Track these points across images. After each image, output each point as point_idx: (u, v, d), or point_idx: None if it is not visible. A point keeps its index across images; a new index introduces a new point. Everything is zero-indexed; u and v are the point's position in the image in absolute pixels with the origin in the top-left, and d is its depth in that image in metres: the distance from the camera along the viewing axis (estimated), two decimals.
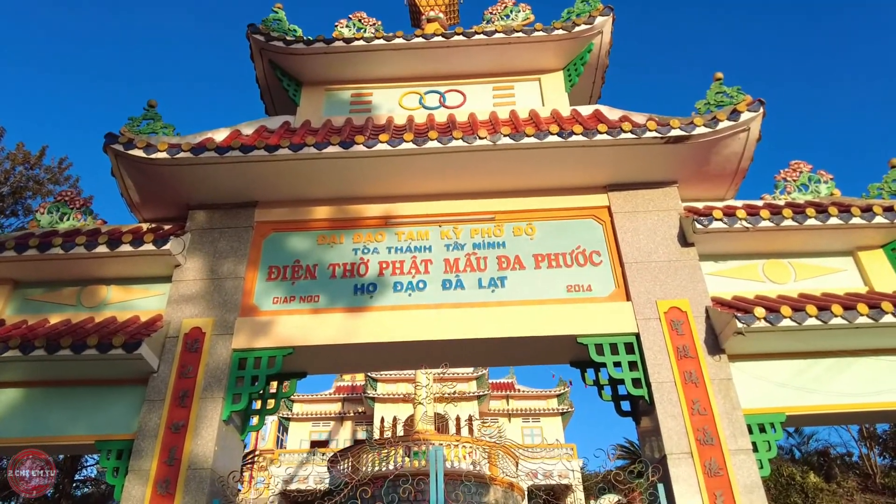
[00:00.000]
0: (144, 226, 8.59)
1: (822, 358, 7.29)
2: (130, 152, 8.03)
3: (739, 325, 6.71)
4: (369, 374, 37.58)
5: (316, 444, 38.26)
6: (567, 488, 31.47)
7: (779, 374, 7.17)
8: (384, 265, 8.04)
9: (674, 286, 7.56)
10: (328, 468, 23.23)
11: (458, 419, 34.14)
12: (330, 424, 39.53)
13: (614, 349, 7.29)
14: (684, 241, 7.90)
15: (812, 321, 6.77)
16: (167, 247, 7.86)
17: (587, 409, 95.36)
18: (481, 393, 36.37)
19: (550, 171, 8.18)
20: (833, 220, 7.73)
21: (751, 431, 6.79)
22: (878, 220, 7.77)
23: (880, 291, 7.72)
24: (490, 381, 39.45)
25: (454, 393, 35.64)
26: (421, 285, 7.86)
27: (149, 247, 7.87)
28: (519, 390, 39.91)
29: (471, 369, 38.50)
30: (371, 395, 35.63)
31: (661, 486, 6.44)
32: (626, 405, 7.64)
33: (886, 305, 6.87)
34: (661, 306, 7.40)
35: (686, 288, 7.55)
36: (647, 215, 8.14)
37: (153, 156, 7.95)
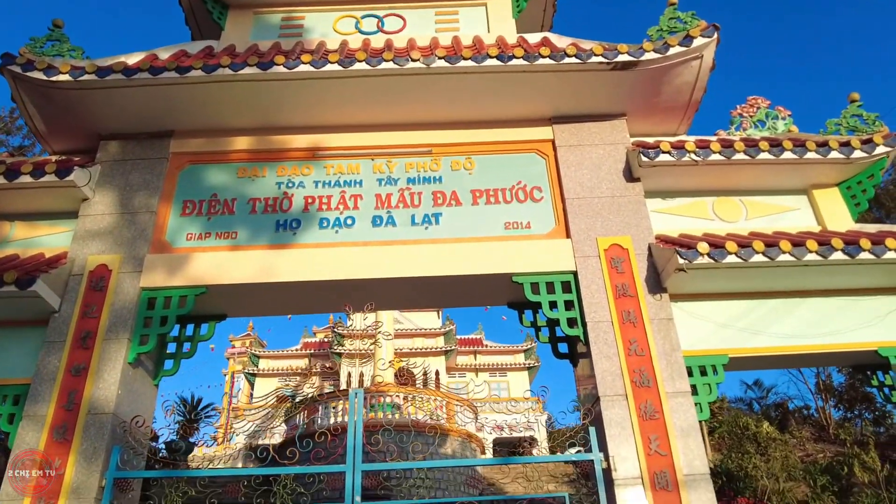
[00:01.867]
0: (53, 158, 7.87)
1: (768, 298, 6.94)
2: (29, 74, 7.25)
3: (681, 261, 6.29)
4: (336, 329, 37.31)
5: (283, 400, 38.03)
6: (532, 441, 31.72)
7: (723, 315, 6.82)
8: (310, 200, 7.45)
9: (616, 223, 7.11)
10: (284, 422, 22.95)
11: (424, 374, 34.11)
12: (297, 380, 39.27)
13: (551, 288, 6.85)
14: (630, 175, 7.43)
15: (759, 258, 6.38)
16: (71, 178, 7.17)
17: (555, 363, 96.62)
18: (448, 348, 36.31)
19: (491, 101, 7.59)
20: (787, 155, 7.30)
21: (691, 374, 6.45)
22: (834, 155, 7.36)
23: (833, 230, 7.36)
24: (458, 336, 39.41)
25: (420, 348, 35.55)
26: (349, 222, 7.30)
27: (51, 178, 7.17)
28: (486, 346, 39.95)
29: (439, 325, 38.43)
30: (337, 351, 35.32)
31: (592, 430, 6.09)
32: (563, 347, 7.25)
33: (836, 242, 6.50)
34: (602, 243, 6.95)
35: (629, 225, 7.10)
36: (592, 149, 7.63)
37: (54, 78, 7.18)
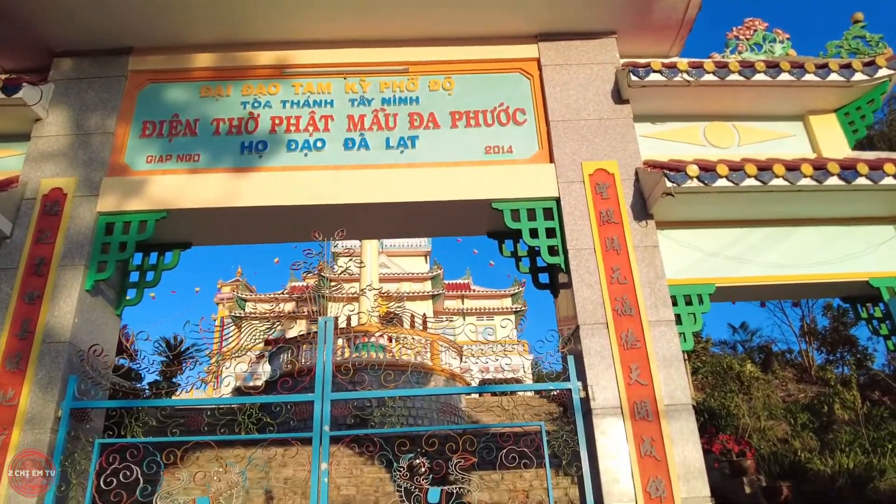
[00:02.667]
0: (2, 76, 7.31)
1: (759, 227, 6.65)
2: None
3: (669, 184, 5.95)
4: (321, 273, 37.08)
5: (270, 344, 38.05)
6: (518, 382, 32.09)
7: (711, 243, 6.53)
8: (277, 121, 6.99)
9: (603, 147, 6.73)
10: (269, 361, 22.88)
11: (412, 318, 34.13)
12: (284, 324, 39.21)
13: (532, 215, 6.51)
14: (619, 97, 7.00)
15: (751, 182, 6.05)
16: (19, 95, 6.66)
17: (543, 308, 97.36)
18: (436, 293, 36.25)
19: (474, 14, 7.04)
20: (784, 77, 6.89)
21: (676, 304, 6.20)
22: (834, 77, 6.96)
23: (829, 157, 7.01)
24: (445, 281, 39.35)
25: (407, 293, 35.47)
26: (319, 144, 6.87)
27: None
28: (474, 290, 39.93)
29: (426, 269, 38.31)
30: (323, 294, 35.12)
31: (571, 359, 5.85)
32: (544, 277, 6.96)
33: (832, 167, 6.16)
34: (587, 168, 6.58)
35: (616, 149, 6.72)
36: (580, 69, 7.17)
37: None
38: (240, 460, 5.36)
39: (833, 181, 6.13)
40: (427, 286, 36.26)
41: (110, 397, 6.42)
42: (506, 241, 6.99)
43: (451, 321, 38.00)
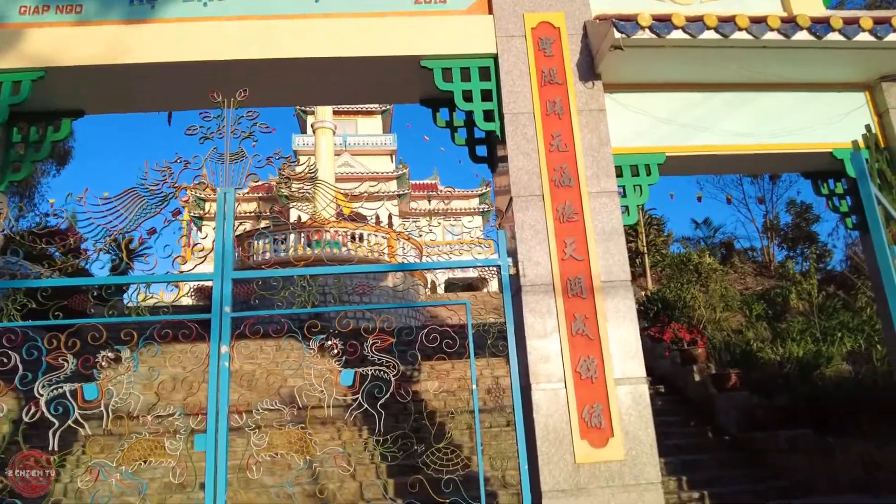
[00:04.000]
0: None
1: (717, 91, 6.00)
2: None
3: (618, 35, 5.20)
4: (283, 172, 35.91)
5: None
6: (483, 281, 32.05)
7: (663, 109, 5.88)
8: None
9: None
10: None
11: (377, 218, 33.53)
12: (246, 225, 38.34)
13: (466, 75, 5.75)
14: None
15: (710, 34, 5.34)
16: None
17: None
18: (401, 192, 35.46)
19: None
20: None
21: (621, 174, 5.62)
22: None
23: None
24: (412, 181, 38.47)
25: (371, 192, 34.58)
26: None
27: None
28: (441, 190, 39.18)
29: (391, 168, 37.30)
30: (285, 194, 34.14)
31: (501, 234, 5.30)
32: (482, 150, 6.28)
33: (802, 19, 5.47)
34: (529, 21, 5.77)
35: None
36: None
37: None
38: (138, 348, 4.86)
39: (802, 36, 5.45)
40: (392, 186, 35.39)
41: None
42: (440, 110, 6.24)
43: (417, 222, 37.54)
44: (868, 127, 4.86)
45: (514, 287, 5.18)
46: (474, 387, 4.92)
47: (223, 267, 4.98)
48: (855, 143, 3.97)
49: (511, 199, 5.34)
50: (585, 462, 4.66)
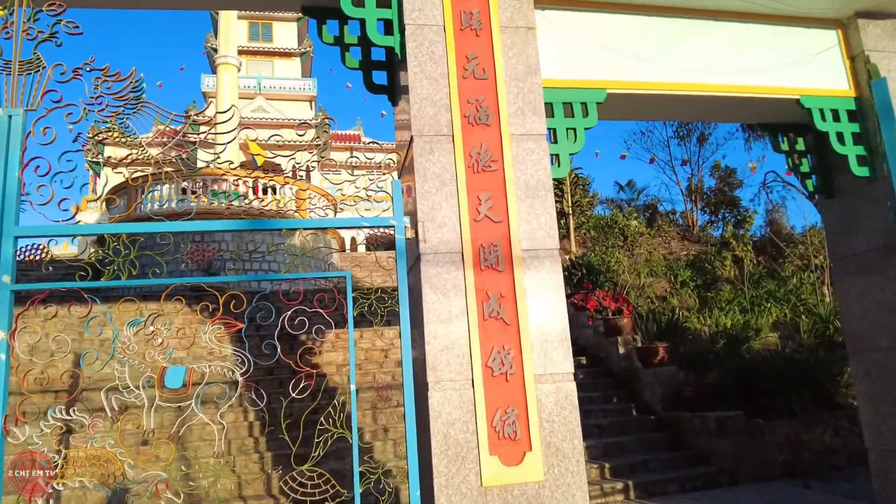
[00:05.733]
0: None
1: (670, 16, 4.89)
2: None
3: None
4: (193, 115, 33.38)
5: (116, 190, 34.40)
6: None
7: (607, 33, 4.72)
8: None
9: None
10: (108, 209, 20.03)
11: (293, 169, 31.57)
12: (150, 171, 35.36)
13: None
14: None
15: None
16: None
17: None
18: (321, 142, 33.45)
19: None
20: None
21: (552, 114, 4.47)
22: None
23: None
24: (335, 131, 36.43)
25: (287, 141, 32.52)
26: None
27: None
28: (364, 142, 37.34)
29: (310, 116, 35.11)
30: (193, 140, 31.54)
31: (397, 184, 4.06)
32: (380, 77, 4.95)
33: None
34: None
35: None
36: None
37: None
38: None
39: None
40: (311, 135, 33.32)
41: None
42: (328, 22, 4.84)
43: (338, 174, 35.75)
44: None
45: (413, 255, 3.98)
46: (352, 375, 3.73)
47: (2, 220, 3.53)
48: (873, 67, 2.91)
49: (411, 139, 4.09)
50: (494, 485, 3.58)
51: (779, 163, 42.77)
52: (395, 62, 4.71)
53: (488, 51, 4.22)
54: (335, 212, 19.44)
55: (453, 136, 4.05)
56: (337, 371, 9.65)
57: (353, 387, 3.65)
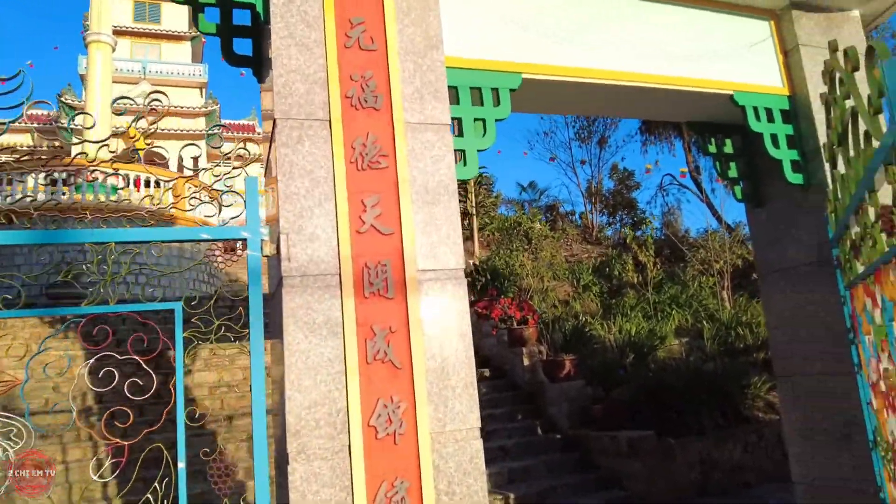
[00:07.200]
0: None
1: None
2: None
3: None
4: (65, 100, 30.44)
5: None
6: None
7: (522, 8, 3.95)
8: None
9: None
10: None
11: (179, 160, 29.41)
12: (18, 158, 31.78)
13: None
14: None
15: None
16: None
17: None
18: (211, 132, 31.28)
19: None
20: None
21: (457, 101, 3.63)
22: None
23: None
24: (227, 120, 34.31)
25: (176, 130, 30.21)
26: None
27: None
28: (259, 133, 35.34)
29: (201, 103, 32.80)
30: (67, 127, 28.53)
31: (250, 184, 3.08)
32: (243, 46, 3.95)
33: None
34: None
35: None
36: None
37: None
38: None
39: None
40: (200, 123, 31.07)
41: None
42: None
43: (229, 167, 33.61)
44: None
45: (275, 279, 3.03)
46: (181, 451, 2.73)
47: None
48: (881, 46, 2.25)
49: (274, 124, 3.12)
50: None
51: (674, 166, 44.49)
52: (261, 27, 3.72)
53: (378, 14, 3.32)
54: (219, 207, 17.84)
55: (331, 122, 3.12)
56: (209, 394, 8.42)
57: (181, 465, 2.64)
